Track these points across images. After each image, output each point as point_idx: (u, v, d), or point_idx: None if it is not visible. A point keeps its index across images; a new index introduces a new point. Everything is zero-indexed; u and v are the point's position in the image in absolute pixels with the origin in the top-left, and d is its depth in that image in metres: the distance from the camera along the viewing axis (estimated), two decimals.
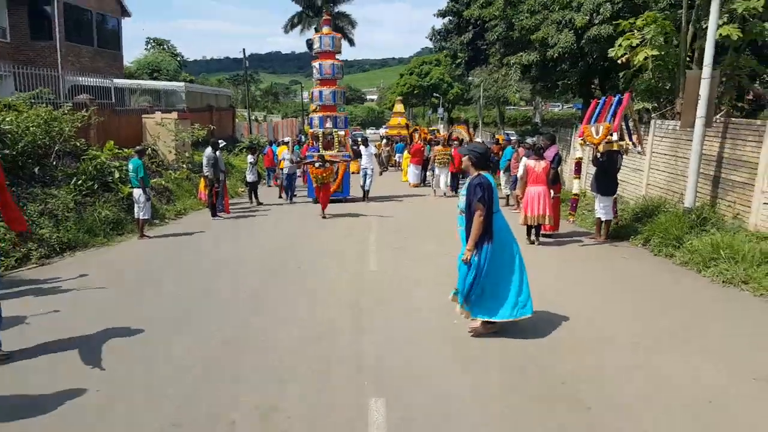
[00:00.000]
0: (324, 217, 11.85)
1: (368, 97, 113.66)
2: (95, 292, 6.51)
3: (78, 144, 11.85)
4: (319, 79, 14.31)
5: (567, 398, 3.76)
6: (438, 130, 36.31)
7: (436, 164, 15.36)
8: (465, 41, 18.58)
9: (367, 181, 14.77)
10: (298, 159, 14.62)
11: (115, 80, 19.32)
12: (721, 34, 8.20)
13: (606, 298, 6.03)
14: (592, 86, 17.52)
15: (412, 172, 18.05)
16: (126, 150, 13.23)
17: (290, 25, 46.47)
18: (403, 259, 7.93)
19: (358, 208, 13.41)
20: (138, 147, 10.73)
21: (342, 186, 14.60)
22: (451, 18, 20.12)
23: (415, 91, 58.54)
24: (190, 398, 3.90)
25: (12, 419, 3.59)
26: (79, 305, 6.04)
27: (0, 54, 20.66)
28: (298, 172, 15.73)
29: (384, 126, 48.52)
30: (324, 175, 12.10)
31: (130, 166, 9.71)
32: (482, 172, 4.75)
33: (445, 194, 15.07)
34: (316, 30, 45.91)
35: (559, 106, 60.41)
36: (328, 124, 14.02)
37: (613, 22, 12.11)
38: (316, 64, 14.33)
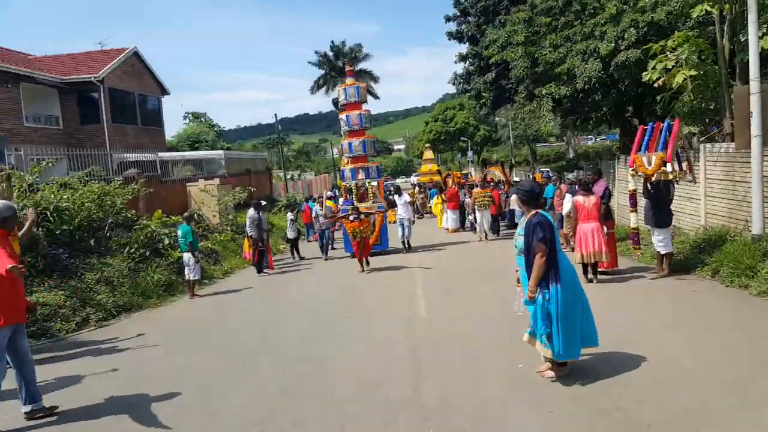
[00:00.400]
0: (363, 271, 11.23)
1: (395, 147, 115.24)
2: (153, 350, 6.56)
3: (129, 215, 12.26)
4: (348, 130, 14.06)
5: None
6: (470, 174, 36.37)
7: (476, 207, 14.77)
8: (488, 80, 18.68)
9: (406, 231, 13.99)
10: (331, 213, 14.15)
11: (160, 153, 20.13)
12: (763, 47, 7.94)
13: (684, 333, 5.58)
14: (627, 114, 17.25)
15: (450, 218, 17.82)
16: (173, 217, 13.62)
17: (316, 87, 48.18)
18: (455, 304, 7.67)
19: (400, 260, 12.51)
20: (185, 213, 11.06)
21: (380, 238, 13.74)
22: (471, 60, 20.35)
23: (442, 137, 59.10)
24: None
25: None
26: (137, 363, 6.10)
27: (54, 139, 21.96)
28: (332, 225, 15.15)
29: (415, 174, 48.92)
30: (361, 228, 11.38)
31: (179, 232, 10.07)
32: (538, 210, 4.55)
33: (487, 237, 14.59)
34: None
35: (591, 138, 59.80)
36: (360, 176, 13.74)
37: (642, 47, 11.99)
38: (343, 116, 14.09)
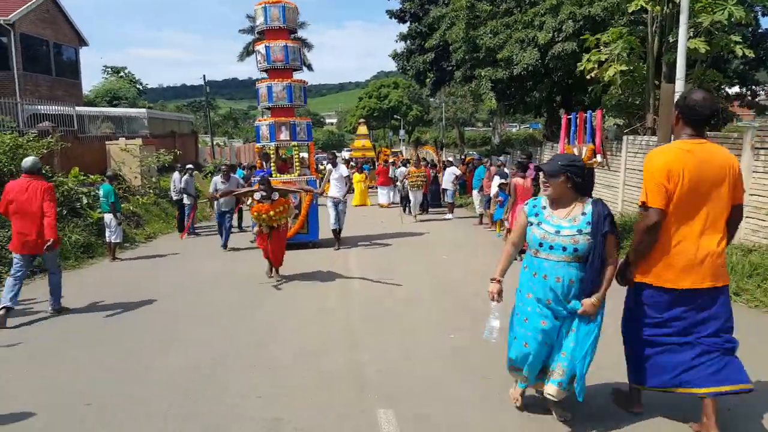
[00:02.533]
0: (271, 277, 7.66)
1: (327, 120, 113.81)
2: (76, 315, 6.12)
3: (43, 171, 11.21)
4: (268, 68, 9.92)
5: None
6: (401, 152, 36.66)
7: (409, 186, 14.19)
8: (428, 60, 18.77)
9: (341, 218, 10.11)
10: (226, 190, 9.45)
11: (77, 108, 18.55)
12: (689, 47, 8.49)
13: None
14: (555, 104, 17.97)
15: (380, 193, 17.92)
16: (91, 176, 12.68)
17: (245, 53, 46.10)
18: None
19: (331, 260, 8.95)
20: (108, 172, 10.37)
21: (308, 225, 9.99)
22: (412, 40, 20.33)
23: (375, 114, 59.07)
24: (190, 415, 3.65)
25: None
26: (60, 328, 5.67)
27: None
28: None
29: (346, 149, 48.58)
30: (271, 213, 7.14)
31: (101, 192, 9.51)
32: (592, 198, 3.21)
33: (415, 217, 14.11)
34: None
35: (516, 126, 61.95)
36: (283, 135, 9.78)
37: (578, 39, 12.47)
38: (260, 47, 9.94)
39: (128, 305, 6.51)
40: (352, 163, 25.60)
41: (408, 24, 20.61)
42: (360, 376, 4.25)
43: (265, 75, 10.32)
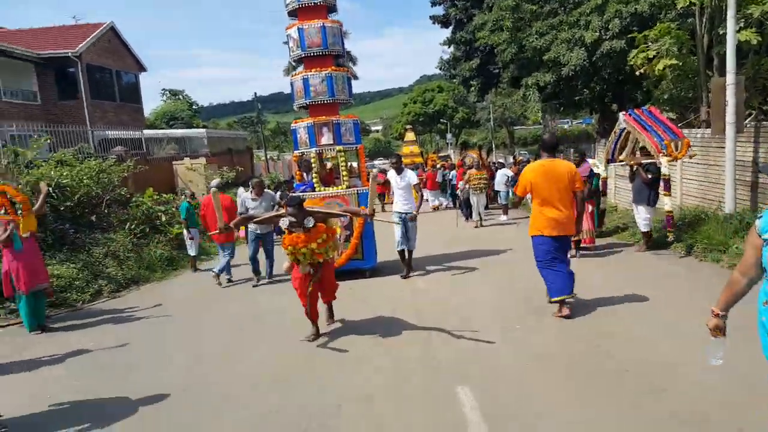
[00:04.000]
0: (312, 339, 5.56)
1: (373, 128, 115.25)
2: (168, 319, 7.05)
3: (122, 192, 12.47)
4: (302, 56, 8.11)
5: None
6: (449, 156, 37.01)
7: (471, 190, 13.35)
8: (473, 66, 19.26)
9: (409, 236, 8.04)
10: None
11: (145, 131, 20.15)
12: (740, 39, 8.66)
13: (667, 301, 6.23)
14: (606, 100, 18.05)
15: (429, 198, 18.39)
16: (164, 195, 13.88)
17: (291, 67, 47.79)
18: None
19: (399, 293, 7.29)
20: (187, 191, 11.43)
21: (362, 249, 8.19)
22: (457, 45, 20.87)
23: (421, 119, 59.63)
24: (289, 393, 4.23)
25: None
26: (160, 328, 6.60)
27: (32, 115, 21.68)
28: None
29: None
30: (314, 246, 5.25)
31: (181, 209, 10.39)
32: None
33: (478, 222, 13.28)
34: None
35: (568, 122, 60.94)
36: (325, 138, 7.91)
37: (625, 37, 12.69)
38: (292, 31, 8.11)
39: (212, 310, 7.38)
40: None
41: (452, 29, 21.18)
42: None
43: (300, 67, 8.53)
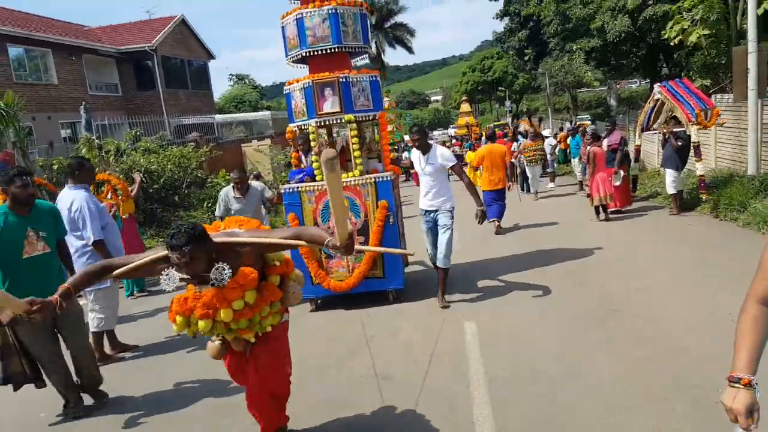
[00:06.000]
0: None
1: (432, 98, 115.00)
2: None
3: (199, 174, 14.31)
4: None
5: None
6: (507, 124, 37.13)
7: (526, 162, 12.94)
8: (522, 38, 19.71)
9: (443, 242, 5.57)
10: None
11: (215, 116, 22.14)
12: (765, 9, 9.00)
13: (664, 253, 7.08)
14: (659, 65, 18.07)
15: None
16: None
17: None
18: None
19: (434, 333, 4.91)
20: (255, 172, 12.98)
21: (383, 263, 5.89)
22: (510, 17, 21.30)
23: (480, 87, 59.30)
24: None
25: None
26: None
27: (115, 106, 24.30)
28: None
29: (452, 126, 49.74)
30: (219, 318, 2.64)
31: None
32: None
33: (536, 194, 12.92)
34: (378, 45, 48.38)
35: (636, 82, 58.56)
36: (329, 104, 5.69)
37: (666, 6, 12.93)
38: None
39: None
40: (455, 141, 26.69)
41: (503, 2, 21.61)
42: None
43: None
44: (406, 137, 9.41)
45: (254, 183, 6.81)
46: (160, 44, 24.83)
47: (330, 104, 5.73)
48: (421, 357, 4.47)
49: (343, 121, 5.73)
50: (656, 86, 10.13)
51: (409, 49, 47.29)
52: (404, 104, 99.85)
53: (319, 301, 6.18)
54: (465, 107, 31.28)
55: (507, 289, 6.17)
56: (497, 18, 21.75)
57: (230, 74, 37.63)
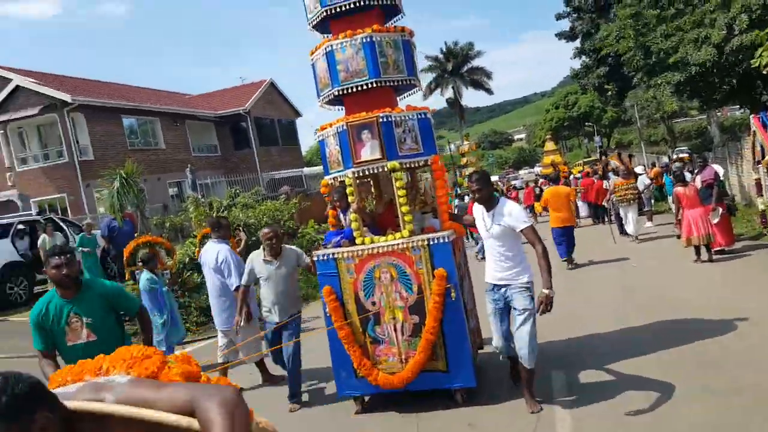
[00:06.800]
0: None
1: (516, 137, 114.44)
2: None
3: (291, 225, 15.60)
4: (323, 15, 5.04)
5: None
6: (598, 161, 36.39)
7: (618, 202, 12.24)
8: (601, 74, 19.86)
9: (520, 338, 4.25)
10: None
11: (303, 169, 23.92)
12: None
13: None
14: (754, 93, 17.49)
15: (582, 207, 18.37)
16: (323, 225, 16.83)
17: (428, 91, 50.78)
18: None
19: None
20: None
21: (445, 350, 4.59)
22: (588, 54, 21.57)
23: (565, 123, 58.68)
24: None
25: None
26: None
27: (214, 165, 26.86)
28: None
29: (537, 164, 49.36)
30: None
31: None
32: None
33: (636, 238, 12.13)
34: (455, 90, 49.84)
35: (740, 109, 55.37)
36: (367, 150, 4.73)
37: (756, 30, 12.75)
38: None
39: None
40: (541, 181, 26.44)
41: (579, 41, 21.96)
42: None
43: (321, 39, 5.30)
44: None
45: (290, 246, 5.62)
46: (253, 107, 27.38)
47: (369, 150, 4.77)
48: None
49: (386, 169, 4.74)
50: (751, 118, 10.06)
51: (488, 90, 48.18)
52: (486, 144, 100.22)
53: (366, 400, 4.86)
54: (549, 146, 31.24)
55: (614, 375, 4.85)
56: (574, 57, 22.07)
57: (315, 129, 40.15)
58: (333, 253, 4.79)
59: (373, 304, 4.70)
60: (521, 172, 58.92)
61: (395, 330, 4.66)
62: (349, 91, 4.92)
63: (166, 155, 24.31)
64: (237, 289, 5.56)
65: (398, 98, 5.47)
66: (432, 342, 4.50)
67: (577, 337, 6.03)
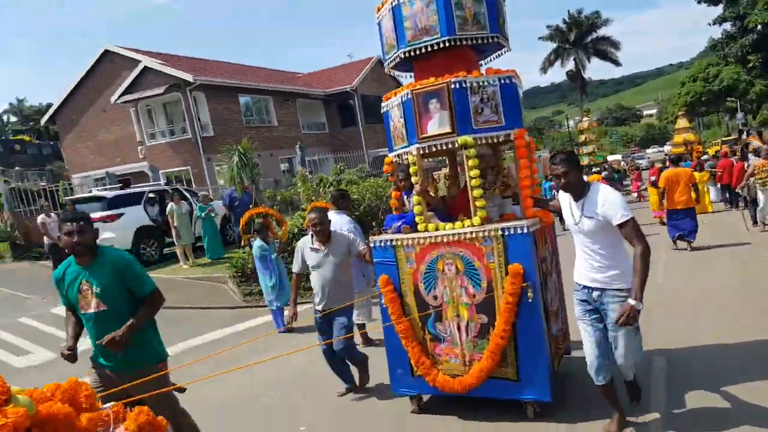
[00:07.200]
0: None
1: (645, 113, 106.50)
2: None
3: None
4: None
5: None
6: (737, 140, 32.83)
7: (758, 185, 11.05)
8: (748, 43, 17.78)
9: (620, 349, 3.53)
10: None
11: None
12: None
13: None
14: None
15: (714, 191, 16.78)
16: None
17: (548, 63, 48.48)
18: None
19: None
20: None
21: (516, 358, 3.93)
22: (732, 22, 19.42)
23: (703, 99, 53.33)
24: None
25: None
26: None
27: (322, 142, 27.80)
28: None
29: (667, 143, 45.52)
30: None
31: None
32: None
33: (766, 225, 10.89)
34: (576, 61, 46.95)
35: None
36: (435, 122, 4.03)
37: None
38: None
39: None
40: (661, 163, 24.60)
41: (722, 5, 19.85)
42: None
43: None
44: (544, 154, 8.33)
45: (341, 231, 5.14)
46: (360, 84, 27.82)
47: (437, 122, 4.04)
48: None
49: (457, 145, 4.00)
50: None
51: (615, 62, 45.21)
52: (610, 120, 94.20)
53: (423, 399, 4.45)
54: (682, 123, 28.62)
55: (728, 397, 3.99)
56: (715, 23, 19.94)
57: None
58: (392, 240, 4.25)
59: (435, 298, 4.14)
60: (649, 150, 54.84)
61: (459, 329, 4.07)
62: (418, 52, 4.17)
63: (278, 132, 25.51)
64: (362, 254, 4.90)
65: (482, 62, 4.64)
66: (502, 347, 3.87)
67: (674, 329, 5.44)
